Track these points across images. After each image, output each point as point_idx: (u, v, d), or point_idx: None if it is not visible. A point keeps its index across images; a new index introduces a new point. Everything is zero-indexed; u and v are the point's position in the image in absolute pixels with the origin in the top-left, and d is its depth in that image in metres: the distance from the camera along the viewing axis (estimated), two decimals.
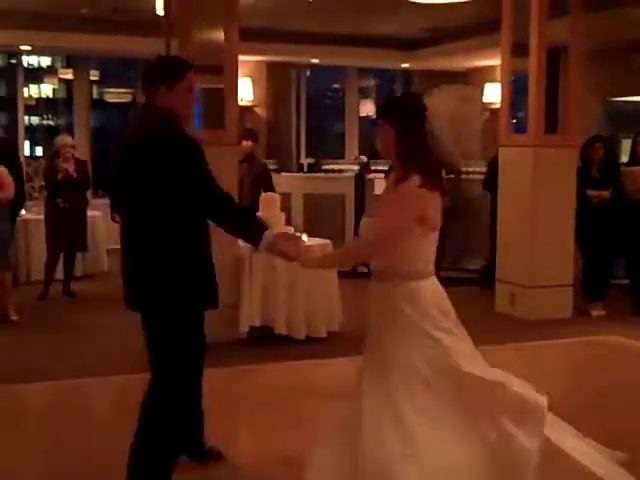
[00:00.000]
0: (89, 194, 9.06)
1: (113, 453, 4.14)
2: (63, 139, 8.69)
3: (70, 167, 8.30)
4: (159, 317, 3.31)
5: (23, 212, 8.89)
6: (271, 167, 9.52)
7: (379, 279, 3.19)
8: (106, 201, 9.31)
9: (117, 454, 4.11)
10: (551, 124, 7.85)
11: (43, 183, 8.61)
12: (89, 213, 8.87)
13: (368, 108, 14.45)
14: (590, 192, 7.70)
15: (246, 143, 8.35)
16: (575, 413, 4.96)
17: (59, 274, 8.53)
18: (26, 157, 12.23)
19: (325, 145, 14.36)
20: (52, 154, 8.59)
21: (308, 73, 13.35)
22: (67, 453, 4.22)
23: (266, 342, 6.33)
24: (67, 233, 8.26)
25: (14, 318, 7.26)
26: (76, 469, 3.99)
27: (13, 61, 12.93)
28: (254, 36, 9.28)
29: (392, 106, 3.19)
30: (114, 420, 4.68)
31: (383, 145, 3.12)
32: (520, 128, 8.14)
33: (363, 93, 14.22)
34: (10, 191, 7.37)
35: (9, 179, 7.38)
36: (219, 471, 3.87)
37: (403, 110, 3.10)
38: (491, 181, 8.43)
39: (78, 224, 8.38)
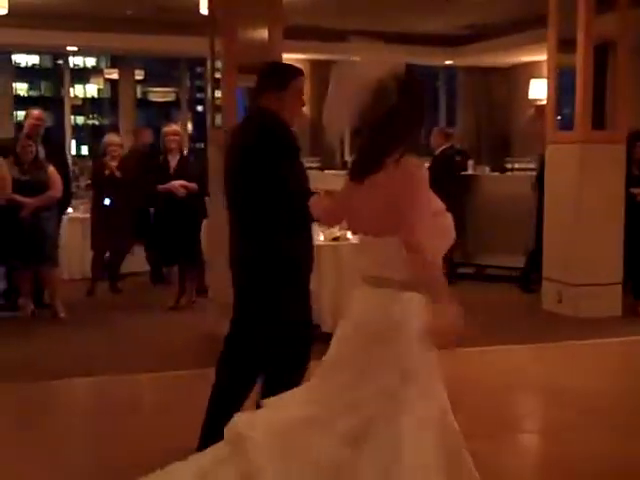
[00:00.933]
0: None
1: (155, 450, 4.18)
2: (110, 137, 8.79)
3: (115, 165, 8.37)
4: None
5: (70, 210, 8.99)
6: (314, 165, 9.52)
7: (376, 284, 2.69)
8: None
9: (158, 451, 4.14)
10: (599, 120, 7.73)
11: (89, 181, 8.67)
12: None
13: None
14: (634, 190, 7.60)
15: None
16: (624, 412, 4.90)
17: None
18: (72, 156, 12.40)
19: None
20: (100, 153, 8.69)
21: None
22: (111, 448, 4.26)
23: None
24: (111, 231, 8.35)
25: (62, 315, 7.36)
26: (120, 464, 4.03)
27: (59, 62, 13.11)
28: (298, 34, 9.29)
29: None
30: (155, 417, 4.72)
31: None
32: (566, 125, 8.03)
33: None
34: (58, 190, 7.49)
35: (58, 178, 7.50)
36: None
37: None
38: (541, 179, 8.31)
39: (123, 222, 8.46)
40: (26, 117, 7.74)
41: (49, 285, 7.49)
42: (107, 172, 8.33)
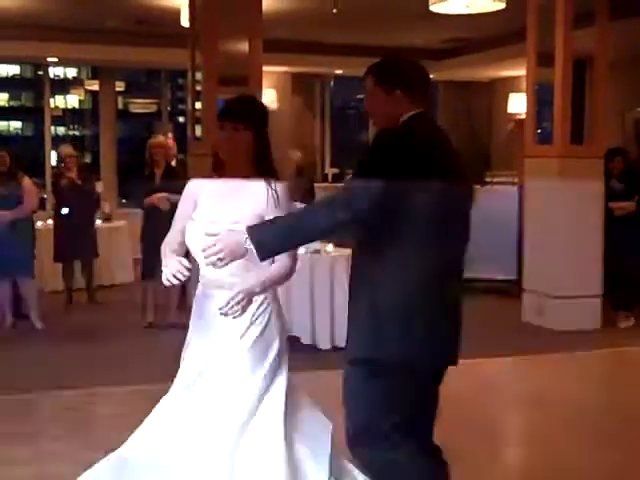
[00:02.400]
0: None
1: None
2: (64, 149, 8.75)
3: (74, 175, 8.31)
4: None
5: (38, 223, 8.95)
6: None
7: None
8: (131, 210, 9.34)
9: None
10: (577, 135, 7.80)
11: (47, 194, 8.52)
12: (116, 223, 8.90)
13: None
14: (612, 204, 7.67)
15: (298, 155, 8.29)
16: (605, 424, 4.92)
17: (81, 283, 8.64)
18: (52, 167, 12.34)
19: (349, 155, 14.36)
20: (57, 165, 8.68)
21: (332, 84, 13.37)
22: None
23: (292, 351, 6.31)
24: (76, 241, 8.29)
25: (39, 326, 7.31)
26: None
27: (40, 72, 13.06)
28: (278, 47, 9.32)
29: (250, 108, 2.91)
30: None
31: (238, 151, 2.87)
32: (545, 139, 8.09)
33: None
34: (33, 202, 7.46)
35: (33, 190, 7.47)
36: None
37: (261, 111, 2.90)
38: None
39: (86, 230, 8.40)
40: None
41: (26, 296, 7.43)
42: (64, 181, 8.25)
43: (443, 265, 2.78)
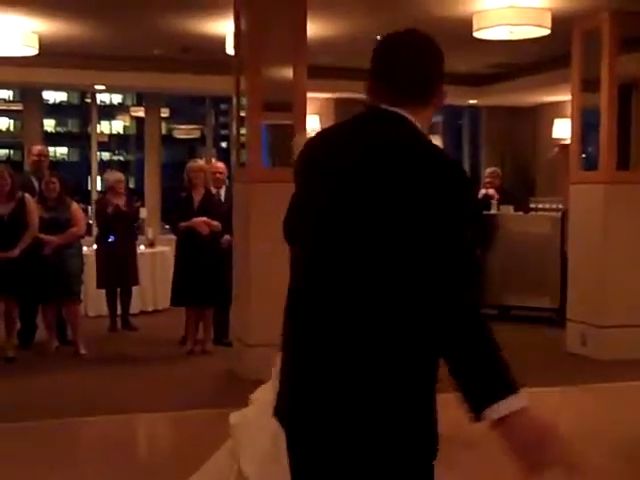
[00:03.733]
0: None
1: None
2: (112, 174, 8.85)
3: (121, 202, 8.38)
4: None
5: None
6: None
7: None
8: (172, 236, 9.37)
9: None
10: (623, 160, 7.70)
11: (91, 221, 8.57)
12: (159, 249, 8.95)
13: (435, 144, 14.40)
14: None
15: None
16: None
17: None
18: (98, 192, 12.51)
19: None
20: (103, 191, 8.72)
21: None
22: None
23: None
24: (118, 268, 8.35)
25: (83, 352, 7.38)
26: None
27: (87, 99, 13.29)
28: (322, 73, 9.36)
29: None
30: (177, 456, 4.69)
31: None
32: (590, 164, 8.00)
33: (430, 129, 14.17)
34: (82, 227, 7.57)
35: (81, 215, 7.58)
36: None
37: None
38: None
39: (129, 258, 8.47)
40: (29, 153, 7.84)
41: (71, 321, 7.53)
42: (110, 210, 8.30)
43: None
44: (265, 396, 2.33)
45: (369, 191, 1.77)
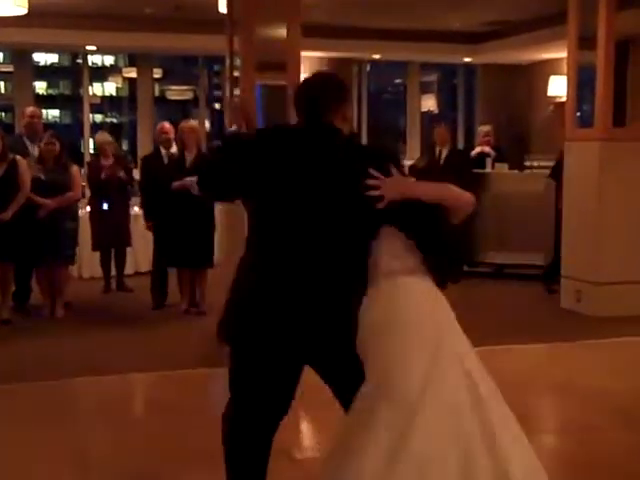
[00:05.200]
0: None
1: (177, 447, 4.19)
2: (102, 136, 8.79)
3: (108, 163, 8.29)
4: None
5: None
6: None
7: (410, 273, 2.84)
8: None
9: (179, 448, 4.16)
10: (619, 117, 7.68)
11: (84, 183, 8.52)
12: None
13: (430, 103, 14.34)
14: None
15: None
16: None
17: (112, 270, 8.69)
18: (90, 154, 12.46)
19: (386, 140, 14.30)
20: (94, 153, 8.66)
21: (369, 68, 13.30)
22: (128, 449, 4.27)
23: None
24: (112, 230, 8.34)
25: (59, 315, 7.36)
26: (138, 465, 4.04)
27: (78, 60, 13.16)
28: (316, 32, 9.27)
29: None
30: (174, 414, 4.73)
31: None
32: (586, 122, 7.98)
33: (425, 88, 14.11)
34: (79, 191, 7.53)
35: (79, 178, 7.54)
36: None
37: None
38: (558, 174, 8.26)
39: (123, 220, 8.46)
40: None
41: (58, 283, 7.48)
42: (103, 175, 8.23)
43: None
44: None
45: (335, 176, 2.83)
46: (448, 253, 2.95)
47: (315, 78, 3.06)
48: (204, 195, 3.43)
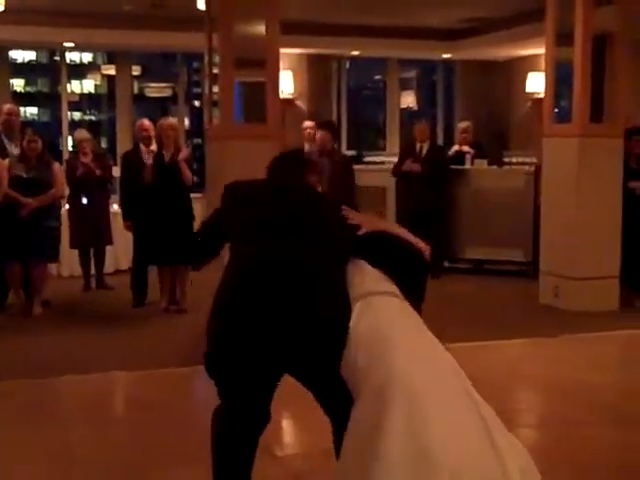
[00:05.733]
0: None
1: (158, 445, 4.19)
2: (80, 133, 8.75)
3: (87, 160, 8.26)
4: None
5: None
6: None
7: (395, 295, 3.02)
8: None
9: (161, 446, 4.16)
10: (596, 113, 7.73)
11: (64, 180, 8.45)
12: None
13: (409, 100, 14.36)
14: (632, 184, 7.61)
15: (318, 135, 8.05)
16: (616, 405, 4.91)
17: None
18: (69, 152, 12.38)
19: (366, 137, 14.32)
20: (73, 151, 8.62)
21: (348, 65, 13.30)
22: (111, 446, 4.27)
23: None
24: (91, 228, 8.33)
25: (37, 312, 7.31)
26: (123, 462, 4.03)
27: (56, 57, 13.07)
28: (295, 29, 9.27)
29: None
30: (156, 412, 4.73)
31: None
32: (564, 118, 8.03)
33: (404, 84, 14.13)
34: (62, 189, 7.49)
35: (62, 176, 7.50)
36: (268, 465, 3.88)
37: None
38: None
39: (102, 218, 8.43)
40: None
41: (37, 280, 7.43)
42: (79, 172, 8.20)
43: None
44: None
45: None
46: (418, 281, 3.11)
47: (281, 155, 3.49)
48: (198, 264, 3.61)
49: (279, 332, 2.72)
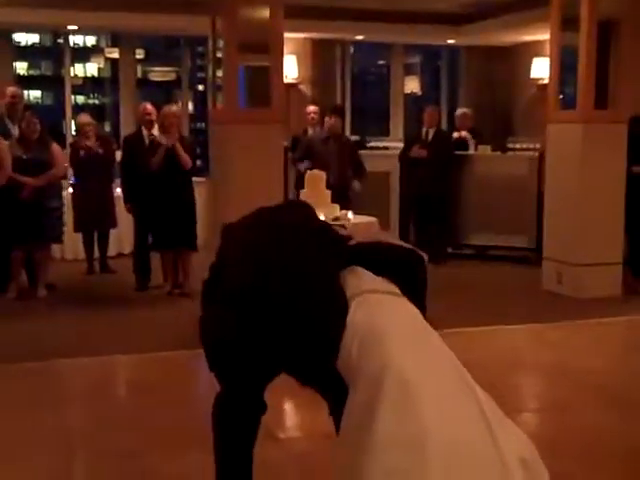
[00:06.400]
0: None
1: (161, 427, 4.22)
2: (82, 117, 8.76)
3: (91, 144, 8.29)
4: None
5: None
6: None
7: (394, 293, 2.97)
8: None
9: (163, 428, 4.18)
10: (601, 99, 7.70)
11: (66, 164, 8.42)
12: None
13: (413, 85, 14.31)
14: (636, 168, 7.59)
15: (330, 120, 8.39)
16: (618, 391, 4.93)
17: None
18: (73, 136, 12.37)
19: (370, 122, 14.28)
20: (76, 134, 8.63)
21: (352, 50, 13.26)
22: (112, 430, 4.29)
23: None
24: (95, 211, 8.35)
25: (41, 295, 7.36)
26: (122, 445, 4.06)
27: (60, 40, 13.03)
28: (299, 13, 9.23)
29: None
30: (159, 395, 4.75)
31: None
32: (569, 104, 8.01)
33: (408, 70, 14.08)
34: (62, 169, 7.50)
35: (62, 156, 7.51)
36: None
37: None
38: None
39: (106, 201, 8.44)
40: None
41: (39, 264, 7.46)
42: (82, 153, 8.23)
43: None
44: None
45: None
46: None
47: None
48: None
49: (275, 336, 2.72)
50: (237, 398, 2.96)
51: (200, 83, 15.31)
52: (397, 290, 2.84)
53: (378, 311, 2.73)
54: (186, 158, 7.34)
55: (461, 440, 2.41)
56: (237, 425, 3.00)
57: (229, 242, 3.05)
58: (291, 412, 4.76)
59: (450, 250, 9.56)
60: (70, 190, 8.57)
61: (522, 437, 2.60)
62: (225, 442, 3.03)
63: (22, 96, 7.97)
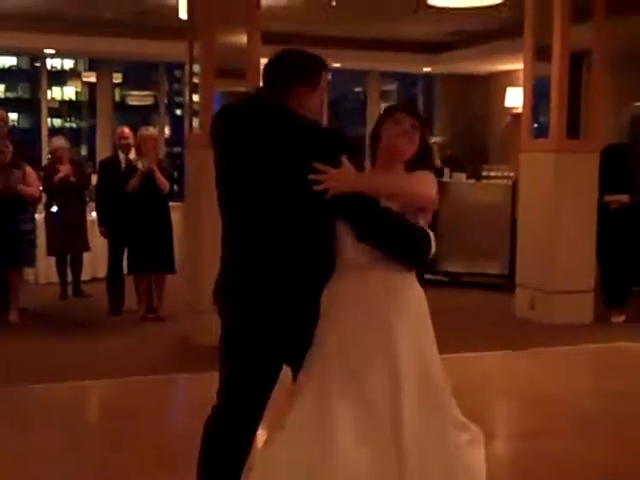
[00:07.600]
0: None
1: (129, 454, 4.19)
2: (56, 141, 8.74)
3: (65, 168, 8.25)
4: None
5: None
6: None
7: (377, 267, 2.77)
8: None
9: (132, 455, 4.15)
10: (573, 129, 7.81)
11: (41, 188, 8.42)
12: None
13: None
14: (608, 198, 7.68)
15: None
16: (589, 418, 4.96)
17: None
18: (48, 159, 12.33)
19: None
20: (50, 159, 8.60)
21: (329, 77, 13.36)
22: (83, 454, 4.25)
23: None
24: (68, 235, 8.31)
25: (13, 320, 7.27)
26: (98, 470, 4.02)
27: (37, 64, 13.04)
28: (276, 39, 9.28)
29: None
30: (133, 420, 4.72)
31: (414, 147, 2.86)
32: (542, 133, 8.11)
33: (385, 97, 14.21)
34: (36, 190, 7.46)
35: (35, 178, 7.47)
36: None
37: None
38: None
39: (79, 225, 8.43)
40: None
41: (11, 287, 7.38)
42: (56, 178, 8.19)
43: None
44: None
45: (271, 158, 2.74)
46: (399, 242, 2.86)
47: (282, 54, 2.93)
48: None
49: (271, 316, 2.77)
50: (240, 408, 2.81)
51: (178, 107, 15.35)
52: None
53: (340, 289, 2.76)
54: (164, 181, 7.33)
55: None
56: (233, 447, 2.82)
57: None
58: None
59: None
60: (43, 214, 8.53)
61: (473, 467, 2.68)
62: (216, 463, 2.85)
63: (7, 120, 7.93)
